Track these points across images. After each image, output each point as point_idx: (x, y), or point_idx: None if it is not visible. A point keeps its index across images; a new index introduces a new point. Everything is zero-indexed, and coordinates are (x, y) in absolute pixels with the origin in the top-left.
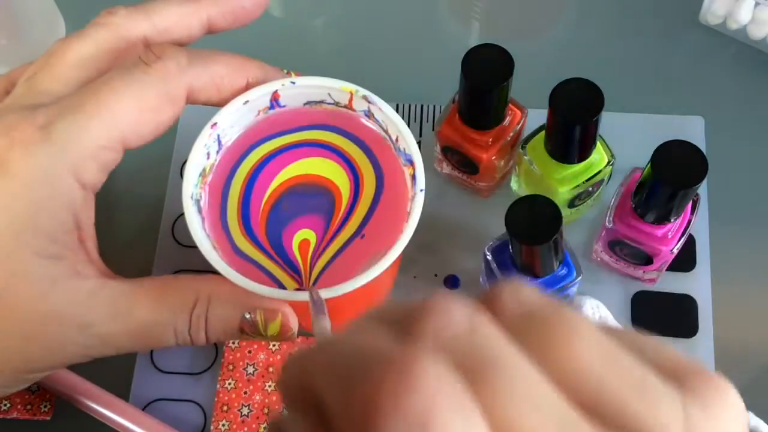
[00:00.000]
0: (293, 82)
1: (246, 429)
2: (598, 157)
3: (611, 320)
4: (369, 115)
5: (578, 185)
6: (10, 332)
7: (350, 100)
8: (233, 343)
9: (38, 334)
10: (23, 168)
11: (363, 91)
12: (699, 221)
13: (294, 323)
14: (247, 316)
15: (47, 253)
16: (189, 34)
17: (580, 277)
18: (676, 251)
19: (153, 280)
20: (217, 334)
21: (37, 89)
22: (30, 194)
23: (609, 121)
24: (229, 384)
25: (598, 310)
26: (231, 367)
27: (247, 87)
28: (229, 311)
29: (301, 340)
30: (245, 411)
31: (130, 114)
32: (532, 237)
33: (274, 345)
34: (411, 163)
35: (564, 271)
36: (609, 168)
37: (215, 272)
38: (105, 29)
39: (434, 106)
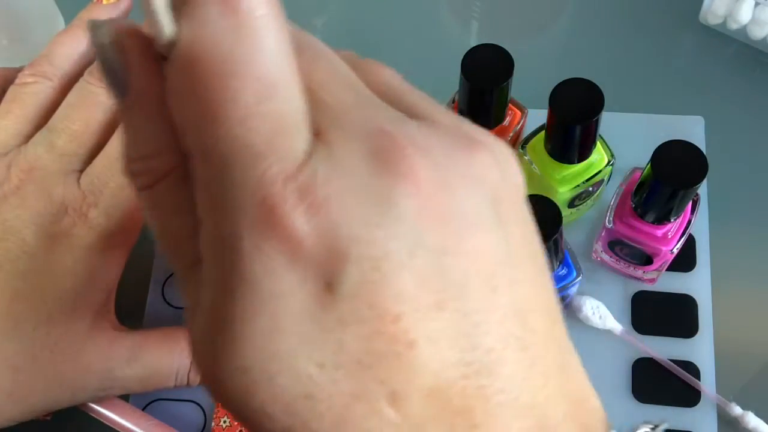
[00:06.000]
0: None
1: None
2: (598, 157)
3: (611, 320)
4: None
5: (578, 185)
6: (51, 383)
7: None
8: None
9: (72, 382)
10: (87, 240)
11: None
12: (699, 221)
13: None
14: None
15: (96, 310)
16: None
17: (580, 277)
18: (676, 251)
19: (158, 331)
20: None
21: (67, 154)
22: (92, 261)
23: (609, 121)
24: None
25: (598, 310)
26: None
27: None
28: None
29: None
30: None
31: None
32: None
33: None
34: None
35: (564, 271)
36: (609, 168)
37: None
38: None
39: None
